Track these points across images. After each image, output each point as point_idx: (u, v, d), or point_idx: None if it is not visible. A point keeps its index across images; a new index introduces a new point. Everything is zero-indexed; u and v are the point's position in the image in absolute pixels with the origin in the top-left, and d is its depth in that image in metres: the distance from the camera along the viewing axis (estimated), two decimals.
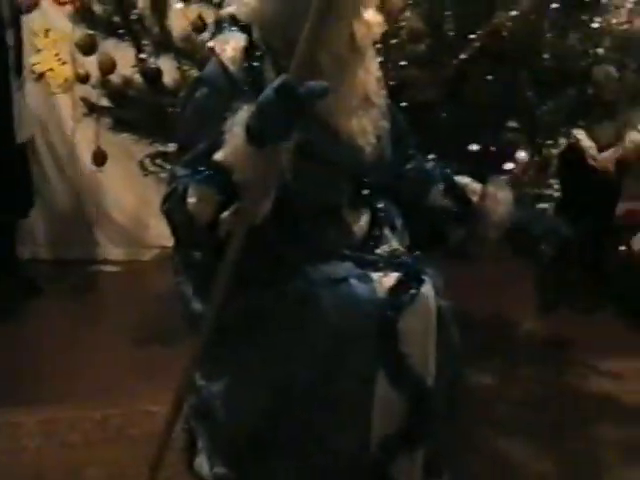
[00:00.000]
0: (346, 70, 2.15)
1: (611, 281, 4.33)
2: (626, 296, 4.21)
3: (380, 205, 2.34)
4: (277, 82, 1.91)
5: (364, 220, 2.29)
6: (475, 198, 2.38)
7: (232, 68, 2.11)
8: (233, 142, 1.95)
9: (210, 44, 2.21)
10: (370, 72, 2.24)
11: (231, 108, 1.96)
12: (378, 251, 2.23)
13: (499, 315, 4.22)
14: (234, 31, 2.16)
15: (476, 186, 2.40)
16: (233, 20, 2.18)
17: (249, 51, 2.13)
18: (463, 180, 2.41)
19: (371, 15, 2.19)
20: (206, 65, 2.21)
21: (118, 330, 3.90)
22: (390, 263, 2.16)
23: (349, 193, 2.27)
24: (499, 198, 2.36)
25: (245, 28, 2.16)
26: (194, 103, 2.15)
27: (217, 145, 1.98)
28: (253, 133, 1.92)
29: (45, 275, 4.62)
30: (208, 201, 1.98)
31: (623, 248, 4.23)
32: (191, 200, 1.99)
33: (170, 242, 2.28)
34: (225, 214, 1.99)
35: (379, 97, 2.28)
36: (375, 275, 2.11)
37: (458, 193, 2.38)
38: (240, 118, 1.94)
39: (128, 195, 4.88)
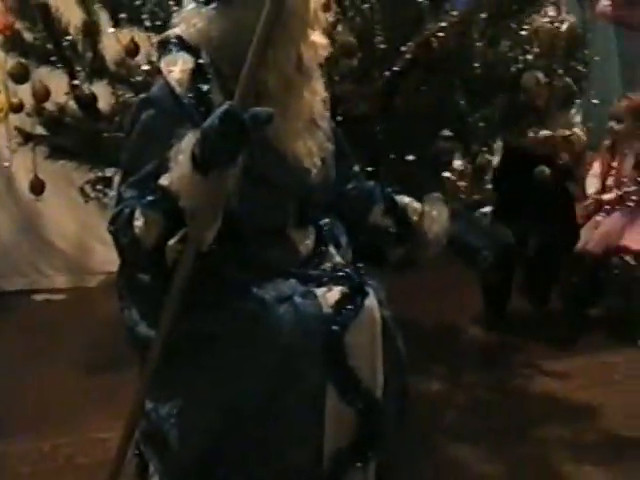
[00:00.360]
0: (293, 92, 2.16)
1: (560, 280, 4.38)
2: (574, 295, 4.26)
3: (325, 223, 2.37)
4: (221, 109, 1.92)
5: (310, 238, 2.31)
6: (415, 218, 2.41)
7: (179, 90, 2.11)
8: (178, 169, 1.95)
9: (160, 64, 2.20)
10: (316, 94, 2.25)
11: (177, 134, 1.97)
12: (322, 267, 2.25)
13: (443, 322, 4.27)
14: (181, 53, 2.16)
15: (416, 206, 2.43)
16: (180, 41, 2.18)
17: (197, 73, 2.13)
18: (403, 200, 2.44)
19: (317, 37, 2.20)
20: (152, 86, 2.21)
21: (66, 358, 3.87)
22: (333, 278, 2.18)
23: (295, 213, 2.29)
24: (434, 216, 2.40)
25: (192, 50, 2.16)
26: (140, 124, 2.15)
27: (163, 168, 1.99)
28: (198, 160, 1.93)
29: None
30: (154, 225, 1.98)
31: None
32: (137, 224, 2.00)
33: (115, 267, 2.28)
34: (172, 241, 1.99)
35: (324, 119, 2.30)
36: (319, 291, 2.13)
37: (398, 213, 2.41)
38: (185, 145, 1.95)
39: (70, 222, 4.84)
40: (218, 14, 2.13)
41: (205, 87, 2.12)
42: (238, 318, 2.07)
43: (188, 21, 2.18)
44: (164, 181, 1.98)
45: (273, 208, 2.22)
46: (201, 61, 2.14)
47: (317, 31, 2.20)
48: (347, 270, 2.21)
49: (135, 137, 2.16)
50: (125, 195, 2.09)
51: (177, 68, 2.13)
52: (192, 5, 2.19)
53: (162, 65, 2.17)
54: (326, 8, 2.80)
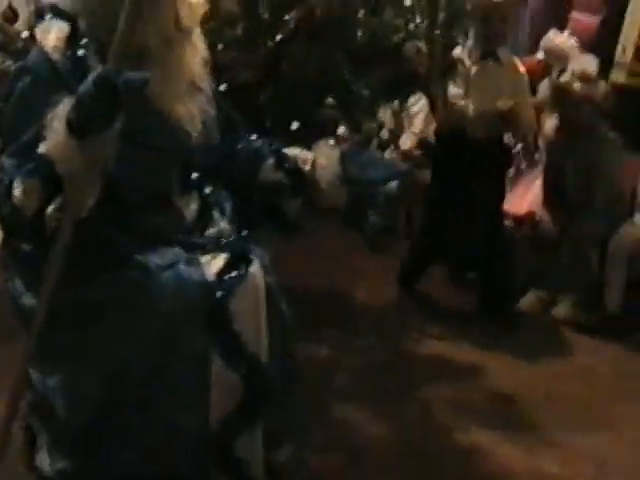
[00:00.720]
0: (174, 51, 2.15)
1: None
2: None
3: (209, 189, 2.37)
4: (95, 74, 1.91)
5: (194, 205, 2.31)
6: (307, 167, 2.41)
7: (55, 57, 2.09)
8: (54, 135, 1.94)
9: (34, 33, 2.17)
10: (196, 54, 2.23)
11: (52, 100, 1.96)
12: (207, 234, 2.26)
13: (334, 287, 4.31)
14: (56, 20, 2.14)
15: (307, 155, 2.43)
16: (55, 9, 2.15)
17: (72, 40, 2.11)
18: (293, 151, 2.44)
19: None
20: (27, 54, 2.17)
21: None
22: (218, 245, 2.19)
23: (179, 178, 2.29)
24: (323, 164, 2.41)
25: (68, 17, 2.14)
26: (17, 93, 2.12)
27: (41, 136, 1.97)
28: (73, 125, 1.92)
29: None
30: (33, 193, 1.96)
31: None
32: (16, 192, 1.97)
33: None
34: (50, 209, 1.98)
35: (205, 81, 2.29)
36: (203, 258, 2.14)
37: (289, 165, 2.41)
38: (60, 111, 1.94)
39: None
40: None
41: (81, 52, 2.10)
42: (121, 285, 2.07)
43: None
44: (41, 148, 1.96)
45: (154, 172, 2.20)
46: (78, 29, 2.12)
47: None
48: (231, 237, 2.22)
49: (12, 106, 2.13)
50: (4, 165, 2.06)
51: (52, 35, 2.11)
52: None
53: (37, 33, 2.15)
54: None
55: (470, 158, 3.74)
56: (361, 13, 3.18)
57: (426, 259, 4.25)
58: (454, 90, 3.60)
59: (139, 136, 2.10)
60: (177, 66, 2.17)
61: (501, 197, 4.03)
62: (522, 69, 3.81)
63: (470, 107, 3.69)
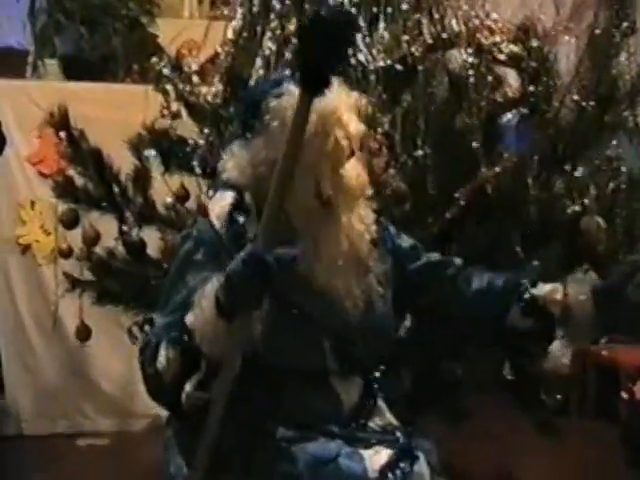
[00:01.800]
0: (318, 225, 2.09)
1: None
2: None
3: (375, 374, 2.25)
4: (244, 251, 1.89)
5: (355, 390, 2.18)
6: (556, 310, 2.17)
7: (217, 223, 2.12)
8: (202, 314, 1.91)
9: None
10: (355, 228, 2.14)
11: (202, 277, 1.97)
12: (370, 425, 2.13)
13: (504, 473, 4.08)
14: (226, 192, 2.17)
15: (555, 292, 2.19)
16: (226, 183, 2.19)
17: (235, 208, 2.13)
18: (541, 290, 2.20)
19: (351, 168, 2.13)
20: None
21: None
22: (382, 440, 2.05)
23: (338, 359, 2.15)
24: (580, 302, 2.15)
25: (238, 190, 2.16)
26: (179, 256, 2.15)
27: (189, 305, 1.96)
28: (222, 305, 1.88)
29: (32, 451, 4.46)
30: (173, 363, 1.94)
31: None
32: (160, 357, 1.95)
33: (161, 410, 2.18)
34: (188, 387, 1.93)
35: (376, 260, 2.20)
36: (366, 453, 2.00)
37: (537, 308, 2.18)
38: (209, 289, 1.92)
39: (116, 364, 4.77)
40: (249, 151, 2.14)
41: (241, 221, 2.11)
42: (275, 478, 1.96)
43: (235, 161, 2.18)
44: (188, 320, 1.94)
45: (306, 345, 2.09)
46: (242, 199, 2.15)
47: (349, 162, 2.12)
48: (397, 431, 2.09)
49: (174, 268, 2.15)
50: (156, 322, 2.07)
51: (218, 205, 2.16)
52: (237, 143, 2.20)
53: (209, 205, 2.22)
54: (377, 154, 2.79)
55: None
56: (532, 187, 3.08)
57: None
58: None
59: (289, 307, 2.04)
60: (326, 240, 2.09)
61: None
62: None
63: None
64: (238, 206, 2.14)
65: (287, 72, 2.23)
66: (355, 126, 2.13)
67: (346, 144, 2.10)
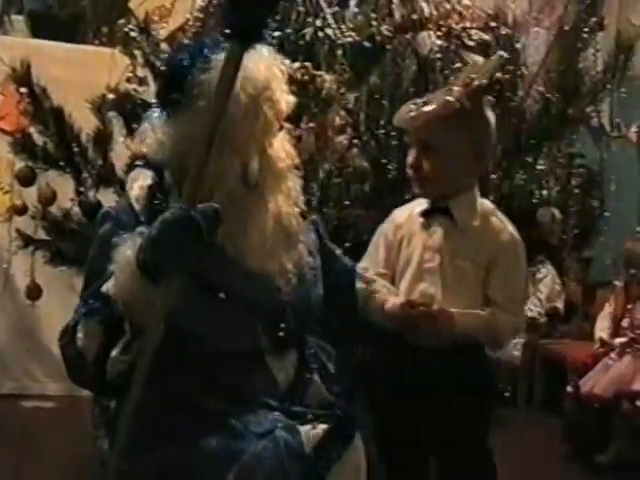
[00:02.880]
0: (244, 207, 2.05)
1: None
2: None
3: (310, 349, 2.21)
4: (169, 211, 1.86)
5: (291, 366, 2.14)
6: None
7: (137, 206, 2.07)
8: (122, 274, 1.87)
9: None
10: (284, 205, 2.12)
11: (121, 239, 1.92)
12: (306, 400, 2.11)
13: None
14: (144, 169, 2.12)
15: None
16: (145, 159, 2.14)
17: (154, 190, 2.08)
18: None
19: (278, 146, 2.11)
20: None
21: (49, 473, 3.71)
22: (318, 415, 2.03)
23: (271, 338, 2.11)
24: None
25: (156, 168, 2.10)
26: (98, 238, 2.09)
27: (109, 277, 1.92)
28: (146, 265, 1.84)
29: None
30: (94, 336, 1.90)
31: None
32: (79, 335, 1.92)
33: None
34: (114, 352, 1.90)
35: (304, 232, 2.20)
36: (302, 428, 1.98)
37: None
38: (128, 250, 1.88)
39: None
40: (172, 127, 2.06)
41: (161, 203, 2.04)
42: (210, 451, 1.93)
43: (156, 136, 2.11)
44: (104, 287, 1.90)
45: (239, 328, 2.07)
46: (162, 178, 2.09)
47: (277, 139, 2.10)
48: (333, 407, 2.07)
49: (92, 251, 2.10)
50: (77, 309, 2.00)
51: (137, 184, 2.10)
52: (157, 116, 2.13)
53: (127, 181, 2.15)
54: (340, 131, 2.78)
55: None
56: (493, 176, 3.09)
57: None
58: None
59: (220, 289, 2.01)
60: (255, 220, 2.07)
61: None
62: None
63: None
64: (157, 186, 2.08)
65: (212, 40, 2.10)
66: (286, 101, 2.10)
67: (276, 123, 2.08)
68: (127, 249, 1.88)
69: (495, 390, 2.54)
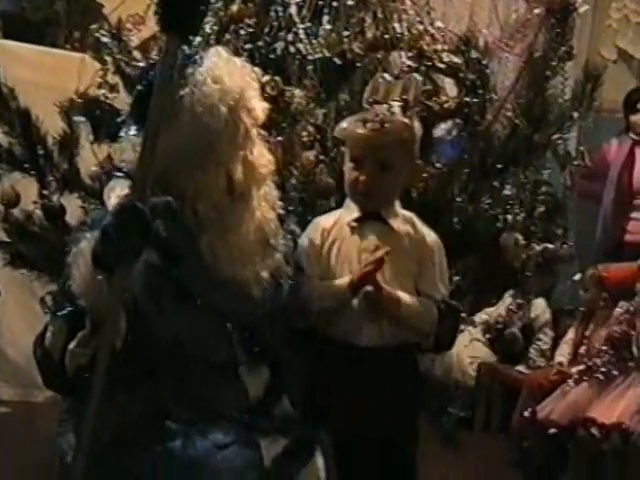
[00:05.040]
0: (229, 217, 2.09)
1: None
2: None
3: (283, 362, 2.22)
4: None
5: (262, 382, 2.16)
6: None
7: None
8: (79, 270, 1.90)
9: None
10: (263, 212, 2.16)
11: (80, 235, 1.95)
12: (271, 413, 2.12)
13: None
14: (121, 180, 2.13)
15: None
16: (121, 170, 2.17)
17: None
18: None
19: (257, 154, 2.14)
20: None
21: (2, 474, 3.65)
22: (280, 429, 2.04)
23: (246, 349, 2.14)
24: None
25: (132, 178, 2.09)
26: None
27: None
28: (100, 259, 1.86)
29: None
30: (60, 334, 1.93)
31: None
32: (47, 335, 1.95)
33: None
34: (71, 345, 1.91)
35: (279, 238, 2.22)
36: (263, 442, 2.00)
37: None
38: (84, 246, 1.90)
39: (24, 332, 4.67)
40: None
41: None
42: (169, 462, 1.94)
43: (132, 149, 2.12)
44: (68, 285, 1.93)
45: (214, 337, 2.09)
46: None
47: (255, 149, 2.14)
48: (295, 422, 2.09)
49: (69, 257, 2.07)
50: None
51: (114, 194, 2.11)
52: (134, 129, 2.14)
53: (105, 191, 2.17)
54: (308, 147, 2.79)
55: None
56: (458, 199, 3.10)
57: None
58: None
59: (198, 299, 2.04)
60: (237, 230, 2.10)
61: None
62: None
63: None
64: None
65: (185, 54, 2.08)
66: (260, 108, 2.15)
67: (254, 130, 2.11)
68: (84, 243, 1.90)
69: (421, 401, 2.64)
